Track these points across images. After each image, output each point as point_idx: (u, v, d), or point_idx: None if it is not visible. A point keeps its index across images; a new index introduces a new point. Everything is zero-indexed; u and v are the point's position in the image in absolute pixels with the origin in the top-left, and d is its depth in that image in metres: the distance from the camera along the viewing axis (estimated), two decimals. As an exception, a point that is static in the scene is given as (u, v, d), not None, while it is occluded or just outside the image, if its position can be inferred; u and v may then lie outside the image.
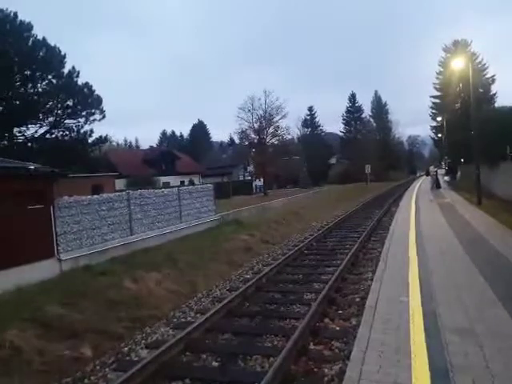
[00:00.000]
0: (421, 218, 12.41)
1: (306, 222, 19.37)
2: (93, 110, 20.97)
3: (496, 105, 37.92)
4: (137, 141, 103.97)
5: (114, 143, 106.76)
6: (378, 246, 11.07)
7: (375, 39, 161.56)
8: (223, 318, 6.42)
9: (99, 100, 20.97)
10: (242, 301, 7.13)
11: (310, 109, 73.03)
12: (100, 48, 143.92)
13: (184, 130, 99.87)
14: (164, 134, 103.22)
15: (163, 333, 6.22)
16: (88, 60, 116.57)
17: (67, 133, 21.36)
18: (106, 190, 20.97)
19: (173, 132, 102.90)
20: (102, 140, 21.99)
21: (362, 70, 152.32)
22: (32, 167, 8.94)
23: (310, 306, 6.38)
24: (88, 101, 20.66)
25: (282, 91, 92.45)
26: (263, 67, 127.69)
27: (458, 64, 17.27)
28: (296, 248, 11.65)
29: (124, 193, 11.79)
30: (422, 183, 39.32)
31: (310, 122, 72.84)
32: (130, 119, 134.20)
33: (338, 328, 5.60)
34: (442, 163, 50.13)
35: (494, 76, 44.18)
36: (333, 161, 73.87)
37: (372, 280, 6.88)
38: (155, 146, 74.79)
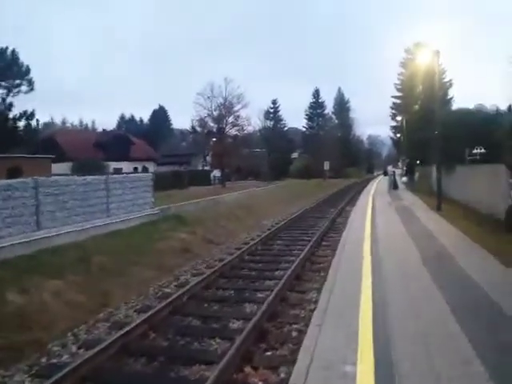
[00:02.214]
0: (377, 224, 11.15)
1: (258, 218, 17.92)
2: (18, 81, 18.01)
3: (452, 108, 38.36)
4: (93, 123, 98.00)
5: (69, 124, 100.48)
6: (328, 253, 9.75)
7: (342, 37, 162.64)
8: (110, 358, 4.69)
9: (27, 70, 18.04)
10: (146, 330, 5.43)
11: (274, 102, 71.71)
12: (56, 20, 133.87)
13: (144, 115, 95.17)
14: (122, 117, 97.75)
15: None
16: (43, 34, 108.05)
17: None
18: (34, 173, 18.37)
19: (132, 116, 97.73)
20: (28, 116, 19.03)
21: (327, 67, 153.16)
22: None
23: (233, 341, 4.83)
24: (12, 70, 17.66)
25: (246, 82, 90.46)
26: (228, 56, 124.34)
27: (424, 58, 16.32)
28: (238, 252, 10.10)
29: (30, 179, 9.63)
30: (379, 182, 39.29)
31: (274, 115, 71.55)
32: (87, 101, 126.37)
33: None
34: (399, 163, 50.65)
35: (451, 80, 44.97)
36: (295, 155, 73.25)
37: (313, 309, 5.46)
38: (113, 130, 70.31)
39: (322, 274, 7.89)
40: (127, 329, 5.24)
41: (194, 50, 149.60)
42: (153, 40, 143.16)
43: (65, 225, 10.47)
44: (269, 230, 13.94)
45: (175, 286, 7.81)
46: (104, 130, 58.21)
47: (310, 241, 11.03)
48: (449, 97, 44.64)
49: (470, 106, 26.15)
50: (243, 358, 4.51)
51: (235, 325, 5.70)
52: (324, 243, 11.27)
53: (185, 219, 14.99)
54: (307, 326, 5.10)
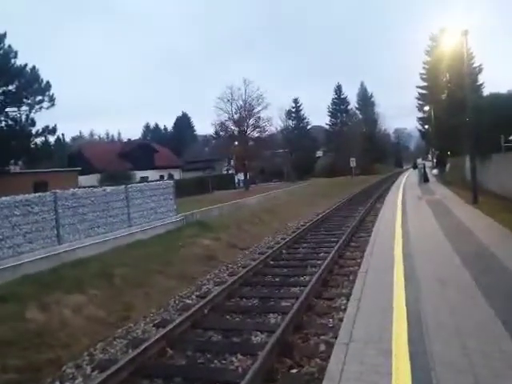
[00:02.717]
0: (408, 222, 10.31)
1: (282, 221, 17.44)
2: (39, 97, 18.44)
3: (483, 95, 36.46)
4: (119, 134, 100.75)
5: (96, 137, 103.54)
6: (357, 255, 9.16)
7: (362, 30, 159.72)
8: (124, 381, 4.38)
9: (47, 86, 18.43)
10: (164, 347, 5.12)
11: (296, 101, 70.85)
12: (81, 36, 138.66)
13: (168, 123, 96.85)
14: (147, 127, 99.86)
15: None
16: (68, 50, 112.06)
17: (10, 122, 18.67)
18: (61, 187, 18.71)
19: (156, 125, 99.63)
20: (50, 130, 19.45)
21: (349, 62, 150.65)
22: None
23: (256, 358, 4.43)
24: (33, 86, 18.09)
25: (266, 83, 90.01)
26: (249, 59, 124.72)
27: (451, 42, 15.36)
28: (262, 257, 9.69)
29: (48, 193, 9.60)
30: (408, 176, 37.79)
31: (296, 114, 70.68)
32: (113, 113, 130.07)
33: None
34: (429, 156, 48.79)
35: (481, 65, 42.81)
36: (319, 154, 72.11)
37: (342, 318, 4.94)
38: (138, 139, 71.71)
39: (351, 279, 7.35)
40: (144, 346, 4.94)
41: (215, 55, 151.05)
42: (174, 47, 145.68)
43: (86, 237, 10.40)
44: (294, 232, 13.45)
45: (197, 296, 7.48)
46: (129, 139, 59.36)
47: (337, 242, 10.48)
48: (479, 83, 42.55)
49: (503, 91, 24.65)
50: (266, 377, 4.09)
51: (258, 338, 5.29)
52: (352, 244, 10.66)
53: (208, 225, 14.75)
54: (335, 337, 4.63)
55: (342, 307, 5.92)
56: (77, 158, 46.51)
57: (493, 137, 17.02)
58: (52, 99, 18.36)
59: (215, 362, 4.76)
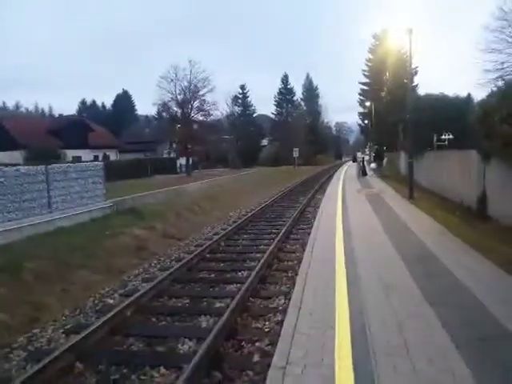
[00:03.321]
0: (349, 215, 10.30)
1: (224, 210, 16.85)
2: None
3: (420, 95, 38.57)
4: (51, 109, 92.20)
5: (23, 109, 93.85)
6: (297, 248, 8.88)
7: (310, 23, 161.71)
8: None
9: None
10: (72, 360, 4.31)
11: (242, 87, 70.01)
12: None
13: (107, 100, 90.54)
14: (83, 103, 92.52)
15: None
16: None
17: None
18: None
19: (93, 101, 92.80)
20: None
21: (297, 55, 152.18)
22: None
23: (182, 372, 3.85)
24: None
25: (213, 68, 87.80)
26: (194, 41, 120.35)
27: (393, 41, 15.60)
28: (198, 249, 9.05)
29: None
30: (348, 168, 39.10)
31: (242, 100, 69.90)
32: (44, 86, 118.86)
33: None
34: (366, 149, 50.87)
35: (417, 67, 45.29)
36: (264, 142, 72.24)
37: (281, 321, 4.53)
38: (71, 115, 66.04)
39: (289, 275, 7.01)
40: (46, 361, 4.11)
41: (160, 34, 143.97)
42: (117, 23, 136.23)
43: (-7, 224, 9.00)
44: (235, 222, 12.94)
45: (120, 295, 6.66)
46: (60, 115, 54.58)
47: (278, 233, 10.15)
48: (414, 84, 44.95)
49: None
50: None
51: (186, 346, 4.69)
52: (293, 236, 10.40)
53: (142, 212, 13.71)
54: (273, 343, 4.21)
55: (280, 308, 5.52)
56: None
57: (427, 135, 17.85)
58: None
59: (132, 378, 4.08)
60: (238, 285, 6.64)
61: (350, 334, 3.77)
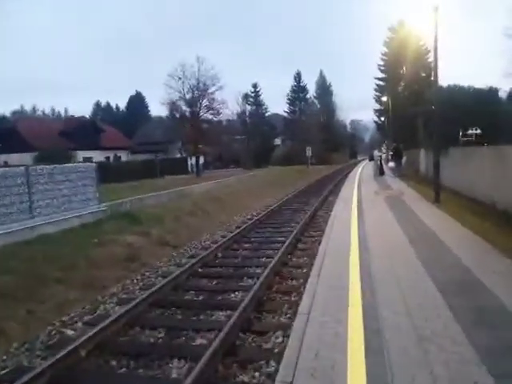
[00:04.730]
0: (365, 223, 8.74)
1: (228, 213, 15.66)
2: None
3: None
4: (66, 111, 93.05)
5: (40, 112, 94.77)
6: (304, 264, 7.57)
7: (324, 19, 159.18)
8: None
9: None
10: None
11: (255, 85, 68.67)
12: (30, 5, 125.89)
13: (121, 102, 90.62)
14: (98, 105, 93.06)
15: None
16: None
17: None
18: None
19: (108, 103, 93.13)
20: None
21: (310, 51, 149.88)
22: None
23: None
24: None
25: (225, 68, 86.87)
26: (209, 42, 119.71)
27: (414, 26, 14.07)
28: (192, 261, 7.87)
29: None
30: (363, 168, 37.39)
31: (254, 99, 68.56)
32: (61, 89, 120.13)
33: None
34: (382, 148, 49.01)
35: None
36: (277, 142, 70.80)
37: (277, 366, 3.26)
38: (81, 117, 66.06)
39: (294, 298, 5.73)
40: None
41: (173, 35, 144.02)
42: (131, 25, 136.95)
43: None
44: (238, 228, 11.71)
45: (84, 323, 5.48)
46: (72, 116, 54.45)
47: (283, 244, 8.86)
48: (433, 77, 42.83)
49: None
50: None
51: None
52: (300, 246, 9.09)
53: (139, 217, 12.60)
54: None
55: (276, 350, 4.25)
56: (9, 134, 41.52)
57: (452, 130, 16.24)
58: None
59: None
60: (229, 312, 5.40)
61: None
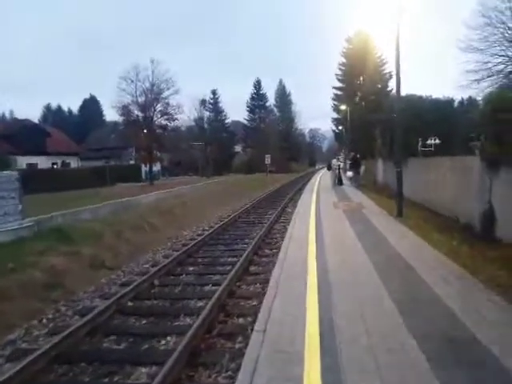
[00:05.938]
0: (325, 243, 7.64)
1: (178, 227, 14.28)
2: None
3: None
4: (11, 113, 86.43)
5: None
6: (256, 290, 6.47)
7: (283, 29, 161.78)
8: None
9: None
10: None
11: (214, 92, 67.64)
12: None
13: (74, 106, 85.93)
14: (48, 108, 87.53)
15: None
16: None
17: None
18: None
19: (59, 106, 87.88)
20: None
21: (270, 60, 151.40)
22: None
23: None
24: None
25: (186, 74, 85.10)
26: (165, 47, 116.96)
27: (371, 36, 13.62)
28: (124, 290, 6.52)
29: None
30: (322, 177, 37.24)
31: (214, 106, 67.38)
32: (8, 89, 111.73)
33: None
34: (340, 157, 49.46)
35: (391, 72, 44.36)
36: (238, 149, 69.91)
37: None
38: (25, 119, 61.31)
39: (238, 345, 4.59)
40: None
41: (132, 39, 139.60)
42: (87, 26, 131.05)
43: None
44: (185, 246, 10.41)
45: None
46: (15, 118, 50.39)
47: (234, 265, 7.73)
48: (389, 88, 43.96)
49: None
50: None
51: None
52: (252, 269, 7.99)
53: (71, 233, 10.93)
54: None
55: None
56: None
57: (410, 139, 15.95)
58: None
59: None
60: (154, 369, 4.16)
61: None
